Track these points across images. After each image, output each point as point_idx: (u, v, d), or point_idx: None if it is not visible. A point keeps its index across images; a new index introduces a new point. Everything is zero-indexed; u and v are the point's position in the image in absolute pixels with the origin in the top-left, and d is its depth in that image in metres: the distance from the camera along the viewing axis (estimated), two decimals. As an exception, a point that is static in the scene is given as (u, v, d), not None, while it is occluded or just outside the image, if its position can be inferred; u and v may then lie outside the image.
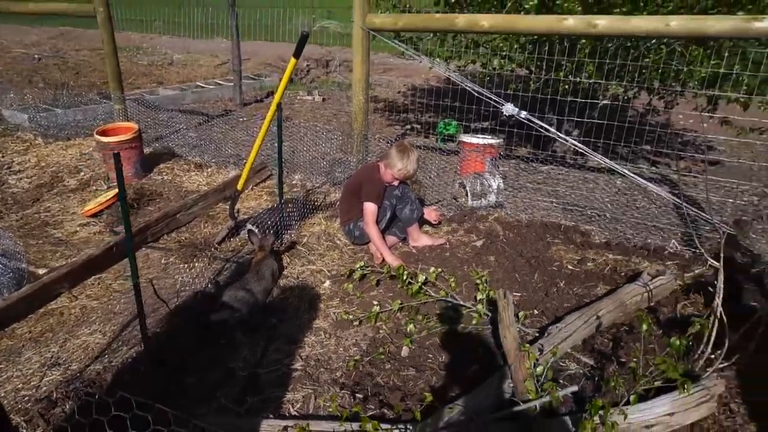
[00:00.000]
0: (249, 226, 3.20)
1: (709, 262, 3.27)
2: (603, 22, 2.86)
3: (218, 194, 3.91)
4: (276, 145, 3.35)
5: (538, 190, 4.49)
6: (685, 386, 1.76)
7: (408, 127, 6.73)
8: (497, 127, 5.89)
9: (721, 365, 2.20)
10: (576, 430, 1.79)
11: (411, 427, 1.79)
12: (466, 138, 4.31)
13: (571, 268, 3.15)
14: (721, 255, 2.22)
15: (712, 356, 2.20)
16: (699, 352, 2.22)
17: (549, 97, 4.37)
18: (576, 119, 4.70)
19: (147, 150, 4.89)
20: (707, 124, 6.82)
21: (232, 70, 7.83)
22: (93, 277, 3.05)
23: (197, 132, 5.73)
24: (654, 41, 3.87)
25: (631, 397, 1.79)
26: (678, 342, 1.86)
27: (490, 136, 4.34)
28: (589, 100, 4.40)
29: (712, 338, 2.15)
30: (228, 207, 3.52)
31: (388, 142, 4.29)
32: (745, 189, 4.85)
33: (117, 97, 5.11)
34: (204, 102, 8.02)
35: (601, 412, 1.70)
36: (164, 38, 14.75)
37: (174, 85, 8.72)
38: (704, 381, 2.04)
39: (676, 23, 2.75)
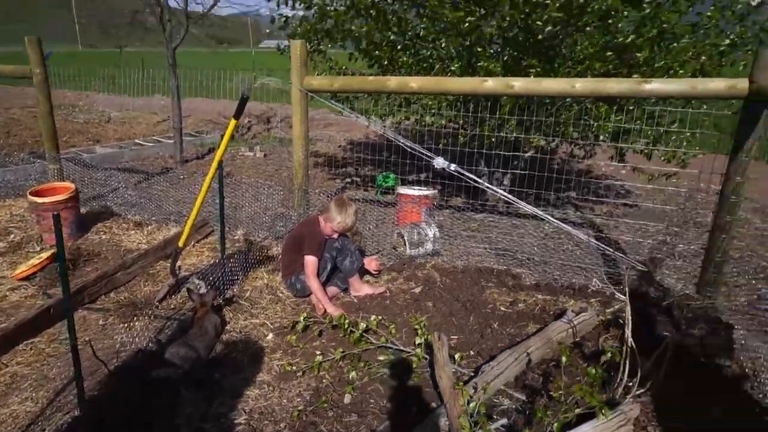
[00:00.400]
0: (189, 284, 3.22)
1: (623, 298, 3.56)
2: (519, 84, 3.18)
3: (159, 252, 3.90)
4: (218, 201, 3.43)
5: (473, 237, 4.73)
6: (603, 411, 1.93)
7: (348, 180, 6.94)
8: (432, 180, 6.20)
9: (638, 392, 2.41)
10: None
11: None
12: (403, 190, 4.53)
13: (503, 309, 3.34)
14: (626, 290, 2.45)
15: (630, 384, 2.40)
16: (618, 380, 2.42)
17: (476, 150, 4.69)
18: (502, 171, 5.06)
19: (84, 210, 4.81)
20: (624, 171, 7.44)
21: (172, 127, 7.86)
22: (24, 342, 2.95)
23: (136, 190, 5.69)
24: (568, 99, 4.29)
25: (555, 425, 1.94)
26: (594, 371, 2.05)
27: (425, 188, 4.58)
28: (512, 154, 4.75)
29: (626, 367, 2.35)
30: (169, 264, 3.52)
31: (328, 196, 4.45)
32: (660, 229, 5.30)
33: (52, 157, 5.04)
34: (143, 160, 7.96)
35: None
36: (101, 96, 14.60)
37: (112, 143, 8.63)
38: (622, 407, 2.22)
39: (581, 85, 3.11)
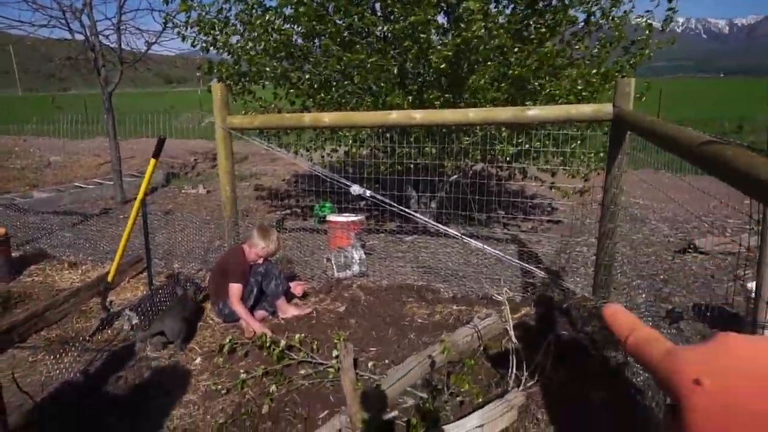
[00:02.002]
0: (121, 318, 3.36)
1: (533, 303, 3.91)
2: (419, 116, 3.54)
3: (91, 289, 4.00)
4: (150, 237, 3.60)
5: (402, 258, 5.03)
6: (477, 394, 2.20)
7: (288, 211, 7.16)
8: (369, 207, 6.50)
9: (528, 384, 2.71)
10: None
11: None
12: (333, 217, 4.80)
13: (420, 321, 3.61)
14: (504, 293, 2.76)
15: (522, 377, 2.70)
16: (509, 374, 2.71)
17: (403, 177, 5.04)
18: (429, 195, 5.41)
19: (16, 254, 4.85)
20: (542, 187, 7.96)
21: (112, 169, 7.91)
22: (-49, 384, 3.00)
23: (72, 232, 5.74)
24: (477, 126, 4.70)
25: (443, 414, 2.20)
26: (471, 361, 2.33)
27: (353, 215, 4.86)
28: (436, 179, 5.12)
29: (513, 362, 2.65)
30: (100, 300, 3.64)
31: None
32: (579, 240, 5.75)
33: (-18, 204, 5.06)
34: (83, 202, 7.95)
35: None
36: (40, 140, 14.38)
37: (50, 187, 8.57)
38: (507, 396, 2.51)
39: (474, 114, 3.49)
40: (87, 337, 3.39)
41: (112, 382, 2.97)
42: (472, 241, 3.85)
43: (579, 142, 4.79)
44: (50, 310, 3.63)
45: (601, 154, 4.90)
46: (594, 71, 4.23)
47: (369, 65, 4.03)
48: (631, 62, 4.46)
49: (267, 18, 4.57)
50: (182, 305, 3.39)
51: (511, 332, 2.62)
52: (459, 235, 3.76)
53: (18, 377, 2.80)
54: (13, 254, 4.63)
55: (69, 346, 3.29)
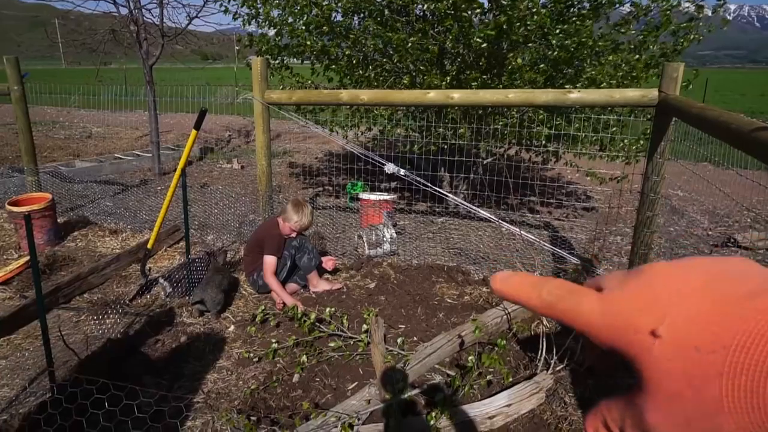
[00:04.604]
0: (161, 280, 3.47)
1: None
2: (457, 95, 3.50)
3: (131, 256, 4.14)
4: (188, 208, 3.70)
5: (432, 239, 5.03)
6: (506, 374, 2.21)
7: (320, 189, 7.23)
8: (403, 186, 6.51)
9: (557, 367, 2.71)
10: (428, 423, 2.19)
11: (291, 433, 2.12)
12: (365, 195, 4.83)
13: (450, 301, 3.63)
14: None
15: (551, 360, 2.70)
16: (538, 357, 2.71)
17: (435, 157, 5.02)
18: (464, 176, 5.37)
19: (61, 219, 5.04)
20: (578, 175, 7.82)
21: (150, 141, 8.10)
22: (2, 338, 3.17)
23: (113, 201, 5.93)
24: (514, 109, 4.64)
25: (465, 389, 2.22)
26: (503, 342, 2.33)
27: (386, 194, 4.88)
28: (471, 160, 5.09)
29: (543, 345, 2.65)
30: (140, 266, 3.77)
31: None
32: (613, 230, 5.66)
33: (30, 170, 5.26)
34: (122, 173, 8.18)
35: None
36: (82, 112, 14.79)
37: (91, 158, 8.83)
38: (536, 377, 2.52)
39: (513, 95, 3.44)
40: (127, 301, 3.53)
41: (150, 344, 3.09)
42: (506, 224, 3.83)
43: (621, 127, 4.67)
44: (93, 273, 3.78)
45: (641, 142, 4.78)
46: (638, 57, 4.10)
47: (410, 44, 4.00)
48: (678, 48, 4.30)
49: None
50: (222, 276, 3.48)
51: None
52: (494, 218, 3.74)
53: (64, 335, 2.94)
54: (58, 220, 4.81)
55: (110, 308, 3.43)
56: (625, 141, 4.63)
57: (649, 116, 4.15)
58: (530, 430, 2.38)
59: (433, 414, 2.16)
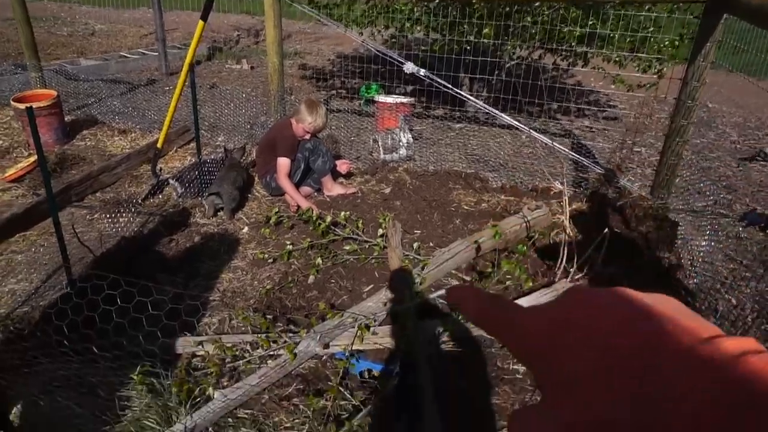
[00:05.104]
0: (172, 180, 3.40)
1: (585, 198, 3.77)
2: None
3: (141, 156, 4.05)
4: (197, 108, 3.54)
5: (449, 145, 4.87)
6: (526, 280, 2.16)
7: (333, 92, 6.96)
8: (419, 88, 6.23)
9: (576, 276, 2.66)
10: (444, 327, 2.18)
11: (307, 331, 2.12)
12: (381, 98, 4.61)
13: (467, 208, 3.55)
14: (563, 182, 2.62)
15: (570, 269, 2.64)
16: (558, 266, 2.66)
17: (459, 57, 4.72)
18: (486, 77, 5.09)
19: (68, 118, 4.91)
20: (602, 83, 7.45)
21: (156, 39, 7.74)
22: (17, 234, 3.17)
23: (121, 100, 5.75)
24: (537, 4, 4.26)
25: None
26: (524, 247, 2.26)
27: (402, 96, 4.65)
28: (494, 59, 4.78)
29: (565, 252, 2.58)
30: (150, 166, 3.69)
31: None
32: (629, 140, 5.43)
33: (33, 65, 5.06)
34: (129, 72, 7.90)
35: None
36: (84, 8, 14.12)
37: (96, 56, 8.51)
38: (555, 285, 2.47)
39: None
40: (140, 201, 3.48)
41: (164, 243, 3.07)
42: (532, 131, 3.65)
43: (658, 28, 4.32)
44: (104, 173, 3.71)
45: (677, 44, 4.42)
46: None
47: None
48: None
49: None
50: (237, 172, 3.43)
51: (566, 221, 2.52)
52: (519, 124, 3.55)
53: (78, 233, 2.92)
54: (66, 119, 4.68)
55: (123, 207, 3.39)
56: (661, 43, 4.28)
57: (693, 14, 3.79)
58: (546, 335, 2.37)
59: (450, 318, 2.14)
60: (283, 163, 3.36)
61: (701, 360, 0.23)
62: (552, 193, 3.82)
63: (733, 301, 2.79)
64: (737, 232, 3.55)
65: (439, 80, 3.60)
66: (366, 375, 2.04)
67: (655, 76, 4.58)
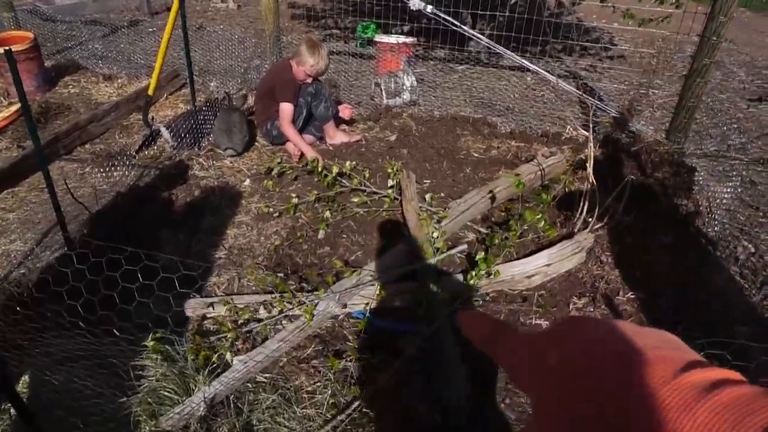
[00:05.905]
0: (163, 129, 3.22)
1: (597, 143, 3.63)
2: None
3: (130, 104, 3.82)
4: (187, 51, 3.30)
5: (453, 88, 4.65)
6: (547, 229, 2.06)
7: (327, 32, 6.61)
8: (420, 25, 5.92)
9: (596, 226, 2.56)
10: (465, 282, 2.09)
11: (325, 291, 2.02)
12: (382, 38, 4.35)
13: (477, 155, 3.40)
14: (590, 128, 2.48)
15: (590, 219, 2.55)
16: (577, 215, 2.56)
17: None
18: (488, 13, 4.81)
19: (48, 63, 4.60)
20: (605, 20, 7.14)
21: (135, -25, 7.24)
22: (5, 191, 3.00)
23: (103, 43, 5.40)
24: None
25: (504, 249, 2.09)
26: (545, 196, 2.15)
27: (404, 36, 4.39)
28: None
29: (586, 203, 2.48)
30: (141, 116, 3.47)
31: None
32: (644, 81, 5.23)
33: (4, 3, 4.69)
34: (108, 12, 7.42)
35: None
36: (54, -59, 13.18)
37: (72, -6, 7.98)
38: (577, 236, 2.38)
39: None
40: (133, 153, 3.30)
41: (162, 198, 2.92)
42: (543, 71, 3.46)
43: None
44: (92, 123, 3.50)
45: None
46: None
47: None
48: None
49: None
50: (239, 113, 3.35)
51: (590, 169, 2.40)
52: (531, 65, 3.35)
53: (71, 188, 2.76)
54: (45, 64, 4.38)
55: (116, 160, 3.21)
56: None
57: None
58: (566, 288, 2.30)
59: (472, 273, 2.05)
60: (287, 108, 3.16)
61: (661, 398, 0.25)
62: (563, 138, 3.67)
63: (752, 248, 2.73)
64: (751, 177, 3.46)
65: (448, 18, 3.37)
66: (386, 335, 1.97)
67: (671, 9, 4.34)
